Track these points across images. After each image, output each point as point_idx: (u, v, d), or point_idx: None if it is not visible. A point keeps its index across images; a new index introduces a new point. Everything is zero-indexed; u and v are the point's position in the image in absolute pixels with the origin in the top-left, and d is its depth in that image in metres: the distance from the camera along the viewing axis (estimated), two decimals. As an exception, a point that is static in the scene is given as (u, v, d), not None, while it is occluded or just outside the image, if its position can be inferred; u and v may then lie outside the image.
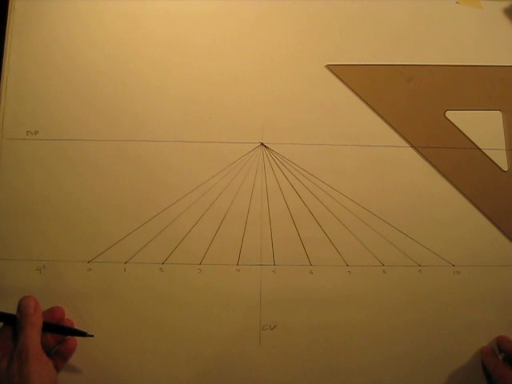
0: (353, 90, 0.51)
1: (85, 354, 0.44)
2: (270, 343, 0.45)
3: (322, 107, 0.50)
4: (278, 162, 0.49)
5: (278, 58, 0.51)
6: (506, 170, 0.50)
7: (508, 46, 0.53)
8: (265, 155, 0.49)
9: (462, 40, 0.53)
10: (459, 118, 0.51)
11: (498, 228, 0.49)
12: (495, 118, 0.51)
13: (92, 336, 0.44)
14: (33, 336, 0.40)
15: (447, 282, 0.47)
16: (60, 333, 0.44)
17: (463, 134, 0.51)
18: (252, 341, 0.45)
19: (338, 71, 0.51)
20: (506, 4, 0.54)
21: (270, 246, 0.47)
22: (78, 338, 0.44)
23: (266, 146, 0.49)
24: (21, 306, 0.41)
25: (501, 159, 0.50)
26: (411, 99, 0.51)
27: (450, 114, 0.51)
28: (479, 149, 0.50)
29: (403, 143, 0.50)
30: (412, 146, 0.50)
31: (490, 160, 0.50)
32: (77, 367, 0.44)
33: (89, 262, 0.46)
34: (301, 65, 0.51)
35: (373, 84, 0.51)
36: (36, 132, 0.49)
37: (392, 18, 0.53)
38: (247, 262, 0.47)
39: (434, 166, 0.50)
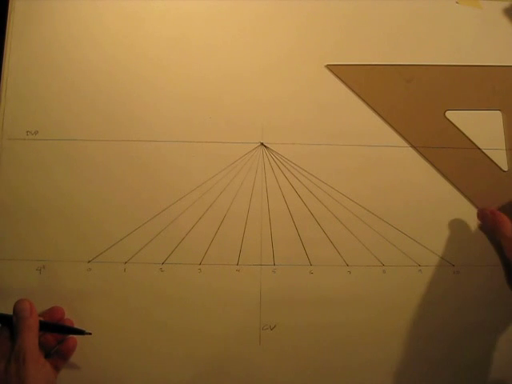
0: (353, 90, 0.51)
1: (85, 353, 0.44)
2: (270, 343, 0.45)
3: (321, 107, 0.50)
4: (278, 162, 0.49)
5: (277, 57, 0.51)
6: (506, 170, 0.50)
7: (508, 45, 0.53)
8: (265, 155, 0.49)
9: (462, 40, 0.53)
10: (459, 118, 0.51)
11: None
12: (495, 117, 0.51)
13: (90, 334, 0.44)
14: (30, 339, 0.40)
15: (447, 282, 0.47)
16: (58, 332, 0.44)
17: (463, 133, 0.51)
18: (252, 341, 0.45)
19: (338, 71, 0.51)
20: (506, 4, 0.54)
21: (270, 246, 0.47)
22: (77, 338, 0.44)
23: (266, 146, 0.49)
24: (16, 310, 0.41)
25: (501, 159, 0.50)
26: (411, 99, 0.51)
27: (449, 114, 0.51)
28: (479, 149, 0.50)
29: (403, 143, 0.50)
30: (412, 146, 0.50)
31: (490, 160, 0.50)
32: (77, 367, 0.44)
33: (89, 261, 0.46)
34: (300, 65, 0.51)
35: (372, 84, 0.51)
36: (36, 132, 0.49)
37: (392, 18, 0.53)
38: (247, 262, 0.47)
39: (433, 166, 0.50)
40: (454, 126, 0.51)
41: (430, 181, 0.49)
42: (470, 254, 0.48)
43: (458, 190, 0.49)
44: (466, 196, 0.49)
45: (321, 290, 0.47)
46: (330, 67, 0.51)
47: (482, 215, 0.48)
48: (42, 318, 0.43)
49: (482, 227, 0.48)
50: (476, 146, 0.50)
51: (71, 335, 0.44)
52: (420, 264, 0.48)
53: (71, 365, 0.44)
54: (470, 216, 0.49)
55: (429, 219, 0.49)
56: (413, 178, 0.49)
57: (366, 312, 0.47)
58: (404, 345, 0.46)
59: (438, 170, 0.50)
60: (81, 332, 0.43)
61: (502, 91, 0.52)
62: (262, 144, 0.49)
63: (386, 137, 0.50)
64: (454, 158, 0.50)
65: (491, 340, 0.47)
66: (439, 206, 0.49)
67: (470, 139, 0.51)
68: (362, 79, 0.51)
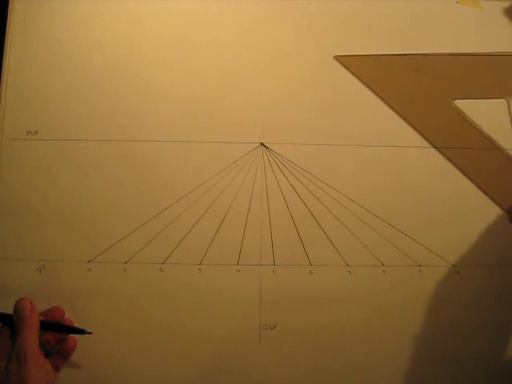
0: (360, 80, 0.51)
1: (84, 353, 0.44)
2: (269, 343, 0.45)
3: (322, 107, 0.50)
4: (278, 162, 0.49)
5: (277, 58, 0.51)
6: None
7: (508, 45, 0.53)
8: (265, 155, 0.49)
9: (462, 40, 0.53)
10: (467, 107, 0.51)
11: (499, 227, 0.49)
12: (502, 106, 0.51)
13: (91, 333, 0.44)
14: (30, 338, 0.40)
15: (447, 282, 0.47)
16: (58, 331, 0.44)
17: (471, 122, 0.50)
18: (252, 341, 0.45)
19: (346, 62, 0.51)
20: (506, 4, 0.54)
21: (270, 246, 0.47)
22: (77, 338, 0.44)
23: (266, 146, 0.49)
24: (17, 309, 0.41)
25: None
26: (418, 88, 0.51)
27: (457, 103, 0.51)
28: (487, 137, 0.50)
29: (405, 143, 0.50)
30: (413, 146, 0.50)
31: (502, 151, 0.50)
32: (77, 367, 0.44)
33: (89, 261, 0.46)
34: (300, 65, 0.51)
35: (380, 74, 0.51)
36: (36, 132, 0.49)
37: (391, 19, 0.53)
38: (247, 261, 0.47)
39: (437, 164, 0.50)
40: (461, 114, 0.51)
41: (429, 181, 0.49)
42: (470, 254, 0.48)
43: (474, 183, 0.49)
44: (481, 189, 0.49)
45: (321, 289, 0.47)
46: (337, 58, 0.51)
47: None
48: (42, 318, 0.43)
49: None
50: (484, 134, 0.50)
51: (71, 335, 0.44)
52: (420, 264, 0.48)
53: (71, 364, 0.44)
54: (469, 216, 0.49)
55: (429, 219, 0.49)
56: (413, 177, 0.49)
57: (365, 312, 0.47)
58: (404, 345, 0.46)
59: (440, 169, 0.49)
60: (81, 331, 0.43)
61: (506, 79, 0.52)
62: (262, 144, 0.49)
63: (387, 136, 0.50)
64: (463, 152, 0.50)
65: (491, 340, 0.47)
66: (439, 206, 0.49)
67: (477, 128, 0.50)
68: (368, 70, 0.51)
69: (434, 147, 0.50)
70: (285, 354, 0.45)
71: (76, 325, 0.44)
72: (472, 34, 0.53)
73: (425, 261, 0.48)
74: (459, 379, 0.46)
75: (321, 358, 0.46)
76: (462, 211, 0.49)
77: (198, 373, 0.45)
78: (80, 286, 0.46)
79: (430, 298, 0.47)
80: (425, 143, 0.50)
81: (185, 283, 0.46)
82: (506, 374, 0.46)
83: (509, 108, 0.49)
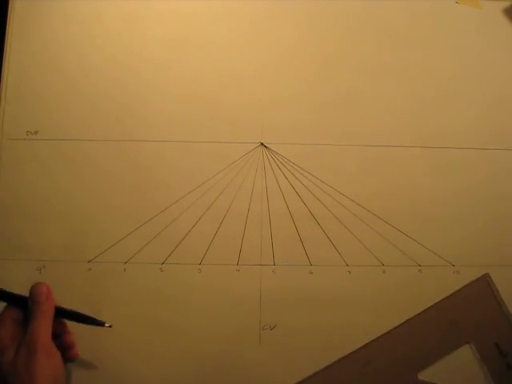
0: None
1: (84, 353, 0.44)
2: (270, 343, 0.45)
3: (321, 107, 0.50)
4: (278, 162, 0.49)
5: (277, 57, 0.51)
6: None
7: (508, 45, 0.53)
8: (265, 155, 0.49)
9: (462, 40, 0.53)
10: None
11: (499, 226, 0.49)
12: None
13: (110, 326, 0.43)
14: (43, 326, 0.39)
15: (447, 282, 0.47)
16: (75, 320, 0.43)
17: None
18: (252, 341, 0.45)
19: None
20: (506, 4, 0.54)
21: (269, 246, 0.47)
22: (76, 338, 0.44)
23: (266, 146, 0.49)
24: (32, 294, 0.41)
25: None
26: None
27: None
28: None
29: (404, 143, 0.50)
30: (413, 146, 0.50)
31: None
32: (76, 366, 0.44)
33: (89, 261, 0.46)
34: (300, 64, 0.51)
35: None
36: (36, 132, 0.49)
37: (391, 19, 0.53)
38: (247, 261, 0.47)
39: (433, 165, 0.50)
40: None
41: (429, 181, 0.49)
42: (470, 254, 0.48)
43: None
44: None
45: (321, 290, 0.47)
46: None
47: None
48: (59, 305, 0.42)
49: None
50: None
51: (69, 335, 0.43)
52: (420, 264, 0.48)
53: (70, 364, 0.44)
54: (469, 216, 0.49)
55: (429, 219, 0.49)
56: (413, 177, 0.49)
57: (365, 312, 0.47)
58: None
59: (438, 170, 0.50)
60: (100, 323, 0.43)
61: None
62: (262, 144, 0.49)
63: (387, 136, 0.50)
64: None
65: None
66: (439, 206, 0.49)
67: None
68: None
69: (434, 147, 0.50)
70: (285, 354, 0.45)
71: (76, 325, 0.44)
72: (472, 34, 0.53)
73: (425, 261, 0.48)
74: (459, 379, 0.46)
75: (321, 358, 0.46)
76: (461, 211, 0.49)
77: (197, 373, 0.45)
78: (80, 286, 0.46)
79: (429, 298, 0.47)
80: (425, 143, 0.50)
81: (185, 283, 0.46)
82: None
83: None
